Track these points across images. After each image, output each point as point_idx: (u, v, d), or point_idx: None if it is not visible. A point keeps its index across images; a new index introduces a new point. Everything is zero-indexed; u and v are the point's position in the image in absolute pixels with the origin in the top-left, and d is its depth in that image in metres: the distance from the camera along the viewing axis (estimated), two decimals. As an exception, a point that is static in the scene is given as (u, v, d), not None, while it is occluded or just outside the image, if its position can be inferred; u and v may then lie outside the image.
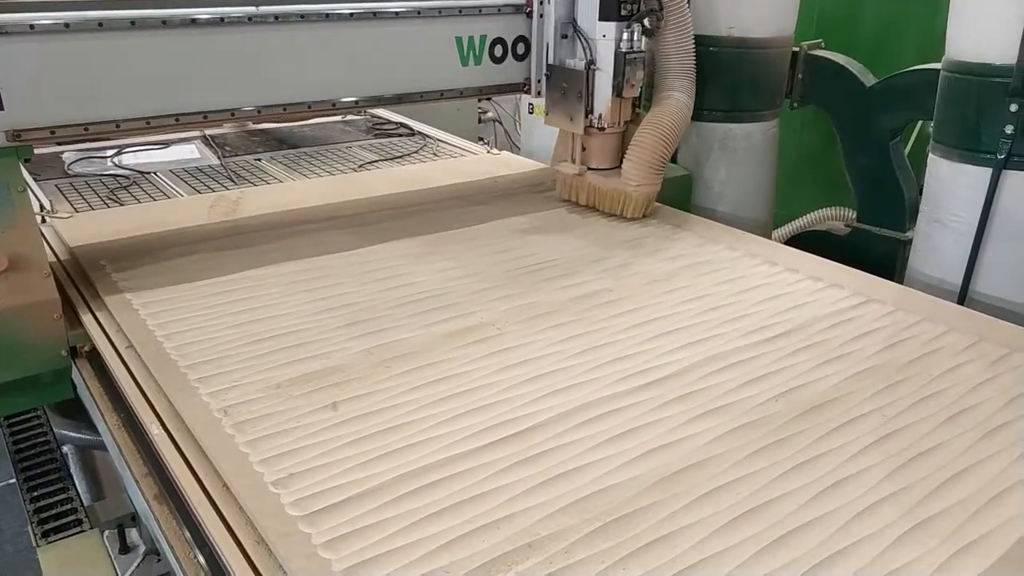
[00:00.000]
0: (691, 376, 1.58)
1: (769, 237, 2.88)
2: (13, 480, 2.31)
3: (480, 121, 4.43)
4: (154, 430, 1.46)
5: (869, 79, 2.74)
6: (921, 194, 2.30)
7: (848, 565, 1.11)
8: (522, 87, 2.58)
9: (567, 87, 2.47)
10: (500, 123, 4.84)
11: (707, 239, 2.33)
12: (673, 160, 2.98)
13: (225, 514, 1.23)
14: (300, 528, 1.16)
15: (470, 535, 1.15)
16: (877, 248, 2.74)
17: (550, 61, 2.51)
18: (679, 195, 2.82)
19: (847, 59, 2.82)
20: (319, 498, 1.22)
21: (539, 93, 2.57)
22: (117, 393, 1.74)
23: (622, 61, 2.35)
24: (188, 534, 1.39)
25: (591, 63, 2.39)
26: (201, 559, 1.33)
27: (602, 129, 2.46)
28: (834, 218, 3.29)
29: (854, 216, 2.89)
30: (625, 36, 2.34)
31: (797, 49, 2.88)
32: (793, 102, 2.97)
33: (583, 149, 2.57)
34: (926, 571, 1.11)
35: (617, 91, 2.39)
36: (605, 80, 2.40)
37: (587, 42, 2.40)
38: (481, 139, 3.90)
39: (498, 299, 1.92)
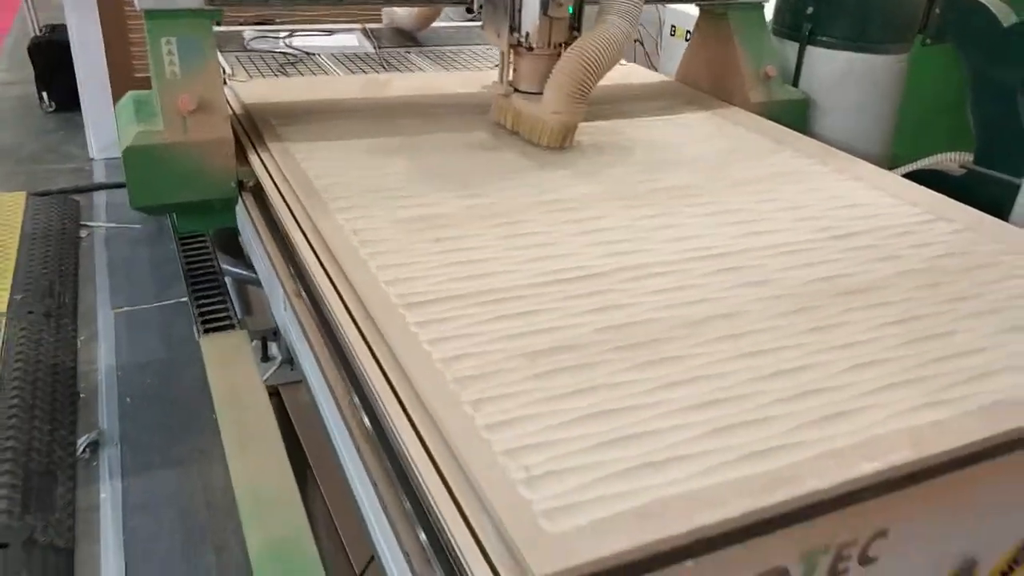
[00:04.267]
0: (747, 256, 1.78)
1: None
2: (185, 299, 2.86)
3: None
4: (296, 236, 1.85)
5: (1010, 18, 2.67)
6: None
7: (827, 398, 1.31)
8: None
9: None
10: (641, 43, 4.93)
11: (802, 153, 2.45)
12: (795, 84, 3.03)
13: (349, 305, 1.58)
14: (402, 314, 1.51)
15: (525, 334, 1.45)
16: (989, 191, 2.70)
17: None
18: (794, 120, 2.86)
19: (990, -5, 2.75)
20: (420, 295, 1.56)
21: (480, 7, 2.42)
22: (272, 220, 2.16)
23: None
24: (324, 337, 1.76)
25: None
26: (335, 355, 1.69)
27: (531, 49, 2.31)
28: (951, 161, 3.23)
29: (971, 160, 2.86)
30: None
31: (938, -19, 2.83)
32: (927, 38, 2.92)
33: (515, 70, 2.42)
34: (897, 410, 1.29)
35: (543, 7, 2.20)
36: None
37: None
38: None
39: (576, 183, 2.16)
